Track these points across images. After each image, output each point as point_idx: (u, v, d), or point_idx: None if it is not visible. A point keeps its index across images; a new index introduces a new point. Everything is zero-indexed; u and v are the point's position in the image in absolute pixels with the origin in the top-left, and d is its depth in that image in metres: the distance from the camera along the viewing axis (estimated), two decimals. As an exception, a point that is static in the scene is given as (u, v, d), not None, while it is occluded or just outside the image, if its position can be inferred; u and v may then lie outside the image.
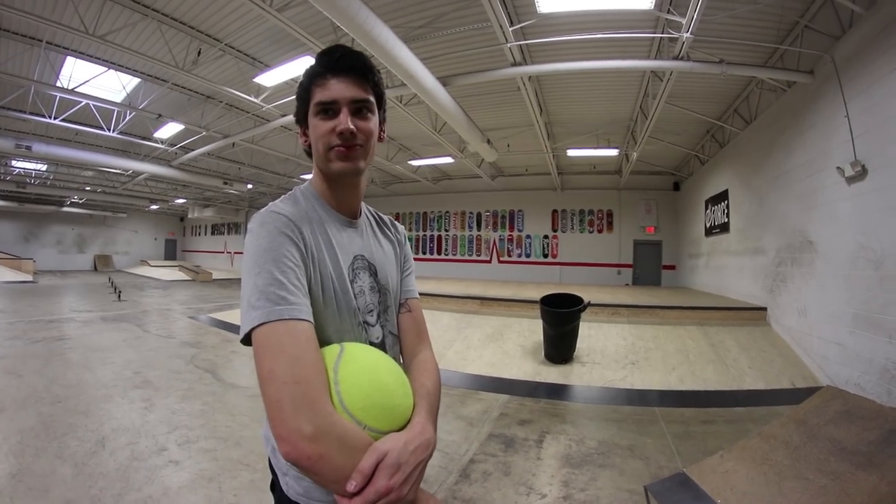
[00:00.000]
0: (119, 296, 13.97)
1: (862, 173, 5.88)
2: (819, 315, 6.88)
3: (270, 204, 1.20)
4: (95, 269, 30.68)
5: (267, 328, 0.99)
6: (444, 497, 3.57)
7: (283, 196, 1.28)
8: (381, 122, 1.31)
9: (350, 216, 1.35)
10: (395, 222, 1.57)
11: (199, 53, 8.48)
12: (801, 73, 7.32)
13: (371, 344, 1.28)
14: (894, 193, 5.34)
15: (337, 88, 1.21)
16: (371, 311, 1.32)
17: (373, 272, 1.34)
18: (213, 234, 32.83)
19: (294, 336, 1.00)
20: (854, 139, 6.04)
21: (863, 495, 3.22)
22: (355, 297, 1.26)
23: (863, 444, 3.85)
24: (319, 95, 1.22)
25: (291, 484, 1.19)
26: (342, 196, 1.33)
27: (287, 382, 0.94)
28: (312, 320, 1.06)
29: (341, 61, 1.22)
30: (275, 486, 1.24)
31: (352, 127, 1.20)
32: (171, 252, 35.69)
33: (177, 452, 3.92)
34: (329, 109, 1.21)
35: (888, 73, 5.35)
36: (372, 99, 1.25)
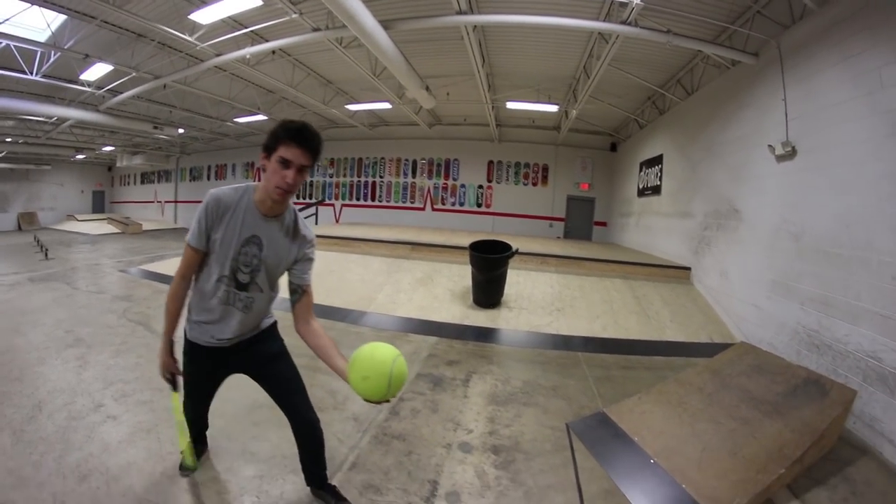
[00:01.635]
0: (46, 254, 13.17)
1: (791, 153, 6.32)
2: (739, 278, 7.41)
3: (229, 188, 2.29)
4: (20, 228, 27.97)
5: (186, 246, 2.29)
6: (375, 433, 3.77)
7: (236, 185, 2.32)
8: (314, 168, 2.30)
9: (267, 214, 2.30)
10: (309, 236, 2.46)
11: None
12: (747, 54, 7.66)
13: (237, 282, 2.33)
14: (818, 175, 5.77)
15: (294, 153, 2.12)
16: (247, 264, 2.31)
17: (260, 247, 2.30)
18: (142, 182, 31.10)
19: (186, 252, 2.31)
20: (788, 121, 6.44)
21: (768, 439, 3.55)
22: (239, 253, 2.28)
23: (770, 395, 4.20)
24: (283, 152, 2.12)
25: (188, 329, 2.50)
26: (266, 205, 2.27)
27: (179, 270, 2.33)
28: (199, 247, 2.27)
29: (302, 138, 2.12)
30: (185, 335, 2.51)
31: (291, 182, 2.14)
32: (99, 204, 33.41)
33: (114, 407, 3.92)
34: (287, 163, 2.12)
35: (827, 68, 5.71)
36: (310, 164, 2.18)
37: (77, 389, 4.23)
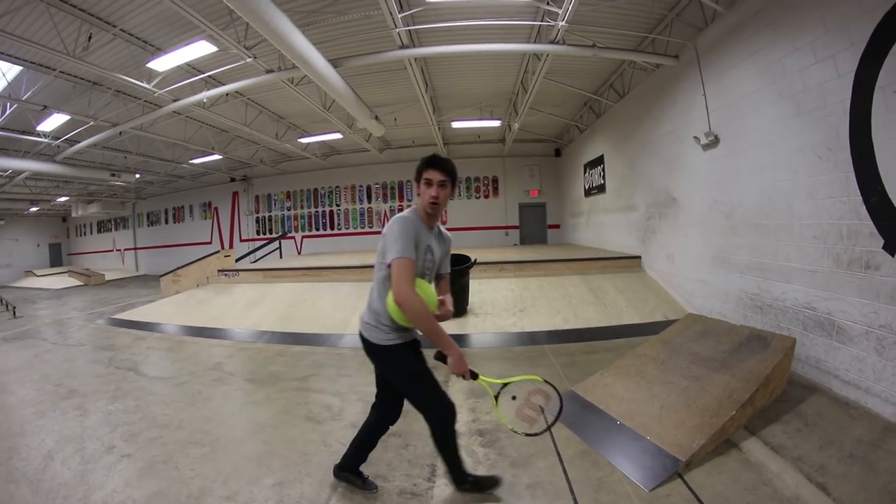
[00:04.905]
0: (14, 313, 12.74)
1: (715, 142, 7.05)
2: (684, 259, 8.07)
3: (406, 212, 2.79)
4: (-25, 289, 26.90)
5: (398, 260, 2.59)
6: None
7: (407, 210, 2.84)
8: (453, 188, 2.87)
9: (430, 227, 2.88)
10: (449, 237, 3.18)
11: (89, 38, 7.94)
12: (668, 58, 8.33)
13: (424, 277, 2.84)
14: (740, 159, 6.48)
15: (431, 174, 2.78)
16: (429, 268, 2.90)
17: (432, 253, 2.89)
18: (99, 231, 30.18)
19: (406, 264, 2.61)
20: (709, 114, 7.18)
21: (718, 389, 4.09)
22: (424, 260, 2.80)
23: (717, 353, 4.75)
24: (425, 175, 2.80)
25: (388, 339, 2.85)
26: (428, 219, 2.87)
27: (401, 278, 2.58)
28: (414, 256, 2.65)
29: (434, 162, 2.80)
30: (368, 346, 2.92)
31: (435, 195, 2.77)
32: (56, 257, 32.15)
33: (126, 447, 4.03)
34: (430, 182, 2.78)
35: (738, 63, 6.42)
36: (446, 179, 2.80)
37: (84, 436, 4.31)
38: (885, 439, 3.69)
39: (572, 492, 3.20)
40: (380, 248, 2.80)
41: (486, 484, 3.24)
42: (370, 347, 2.90)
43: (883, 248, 4.21)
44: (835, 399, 4.56)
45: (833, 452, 3.52)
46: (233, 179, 22.67)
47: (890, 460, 3.38)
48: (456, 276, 7.92)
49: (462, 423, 4.33)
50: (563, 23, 7.23)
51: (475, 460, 3.67)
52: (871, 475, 3.21)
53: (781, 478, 3.25)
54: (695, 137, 7.45)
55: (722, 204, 6.93)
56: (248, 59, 8.60)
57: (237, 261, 16.14)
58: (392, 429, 4.25)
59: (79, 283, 22.88)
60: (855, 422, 4.06)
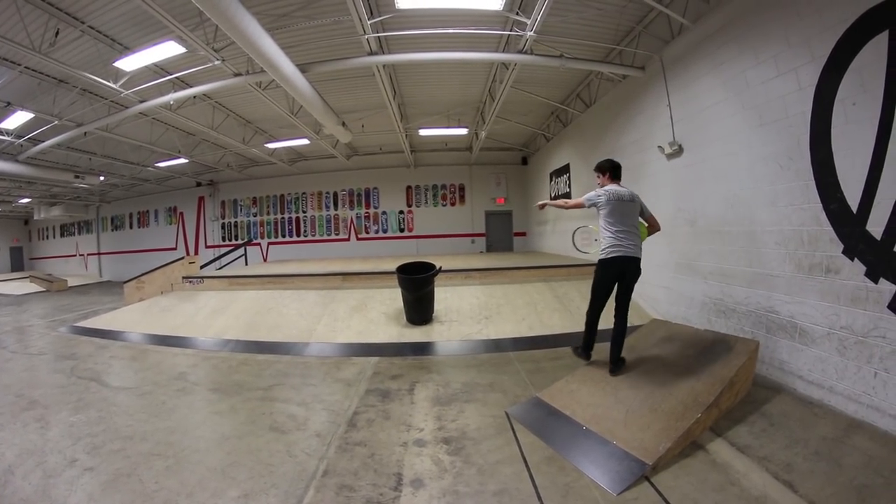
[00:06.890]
0: None
1: (679, 151, 7.20)
2: (649, 265, 7.94)
3: (609, 187, 5.15)
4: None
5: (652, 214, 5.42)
6: (339, 444, 4.10)
7: (610, 188, 5.12)
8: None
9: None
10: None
11: (56, 34, 7.68)
12: (634, 69, 8.48)
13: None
14: (702, 168, 6.64)
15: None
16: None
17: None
18: (62, 235, 29.01)
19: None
20: (673, 124, 7.34)
21: (683, 393, 4.16)
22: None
23: (682, 358, 4.85)
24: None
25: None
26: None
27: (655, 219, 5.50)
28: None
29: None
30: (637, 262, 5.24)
31: None
32: (17, 262, 30.84)
33: (88, 460, 3.90)
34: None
35: (703, 75, 6.57)
36: None
37: (45, 449, 4.16)
38: (850, 436, 3.81)
39: (539, 498, 3.19)
40: (638, 208, 5.28)
41: (618, 366, 4.96)
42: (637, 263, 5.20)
43: (842, 252, 4.35)
44: (799, 399, 4.68)
45: (799, 450, 3.61)
46: (199, 184, 22.22)
47: (855, 456, 3.49)
48: (420, 284, 7.95)
49: (427, 432, 4.34)
50: (532, 33, 7.32)
51: (441, 469, 3.63)
52: (837, 471, 3.31)
53: (748, 477, 3.30)
54: (659, 147, 7.60)
55: (685, 212, 7.06)
56: (217, 62, 8.44)
57: (202, 267, 15.81)
58: (358, 439, 4.24)
59: (40, 288, 21.89)
60: (819, 420, 4.17)
